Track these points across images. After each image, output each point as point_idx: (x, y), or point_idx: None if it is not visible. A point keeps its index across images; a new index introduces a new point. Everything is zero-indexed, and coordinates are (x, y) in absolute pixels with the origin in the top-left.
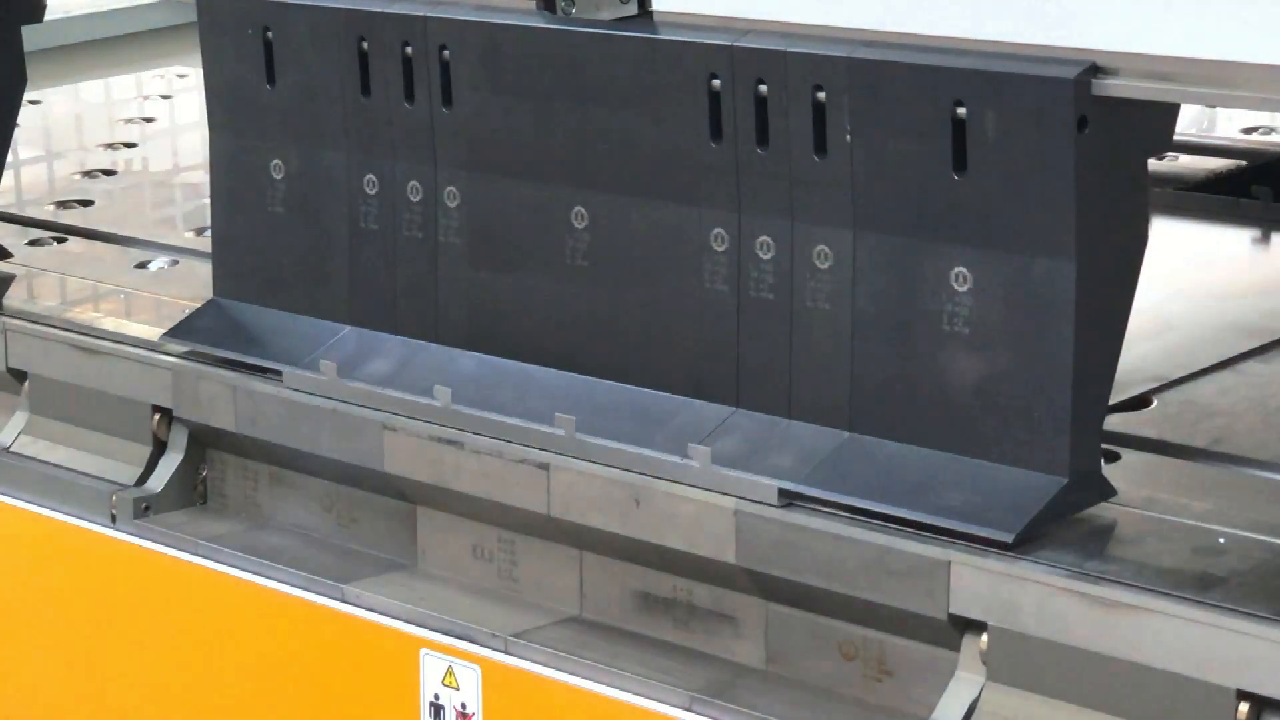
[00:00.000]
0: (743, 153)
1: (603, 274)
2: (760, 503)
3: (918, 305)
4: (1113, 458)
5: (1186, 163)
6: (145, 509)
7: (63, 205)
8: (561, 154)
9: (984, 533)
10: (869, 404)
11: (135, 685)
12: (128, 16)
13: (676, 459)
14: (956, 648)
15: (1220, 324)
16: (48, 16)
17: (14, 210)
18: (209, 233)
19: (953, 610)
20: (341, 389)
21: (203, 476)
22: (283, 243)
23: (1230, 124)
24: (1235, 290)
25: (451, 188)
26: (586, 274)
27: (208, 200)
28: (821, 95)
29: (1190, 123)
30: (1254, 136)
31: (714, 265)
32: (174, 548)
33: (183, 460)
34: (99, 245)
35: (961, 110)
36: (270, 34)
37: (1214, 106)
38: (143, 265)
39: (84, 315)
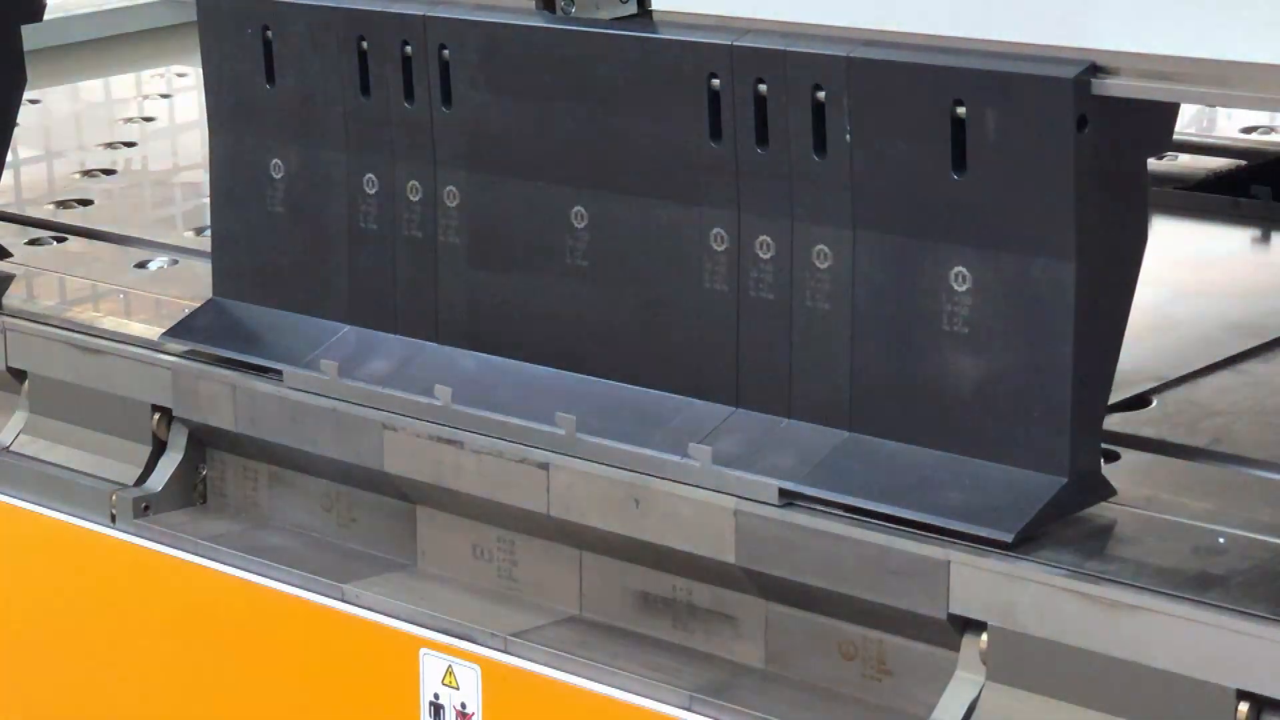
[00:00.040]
0: (742, 152)
1: (602, 274)
2: (760, 502)
3: (917, 305)
4: (1112, 457)
5: (1186, 162)
6: (145, 509)
7: (62, 205)
8: (561, 154)
9: (984, 532)
10: (869, 404)
11: (135, 685)
12: (128, 16)
13: (676, 459)
14: (956, 647)
15: (1220, 324)
16: (48, 16)
17: (14, 210)
18: (208, 232)
19: (952, 610)
20: (342, 389)
21: (202, 476)
22: (282, 242)
23: (1230, 123)
24: (1235, 290)
25: (451, 187)
26: (586, 274)
27: (207, 200)
28: (821, 95)
29: (1190, 122)
30: (1254, 136)
31: (714, 265)
32: (174, 547)
33: (182, 460)
34: (99, 245)
35: (961, 110)
36: (270, 34)
37: (1213, 106)
38: (142, 265)
39: (84, 315)
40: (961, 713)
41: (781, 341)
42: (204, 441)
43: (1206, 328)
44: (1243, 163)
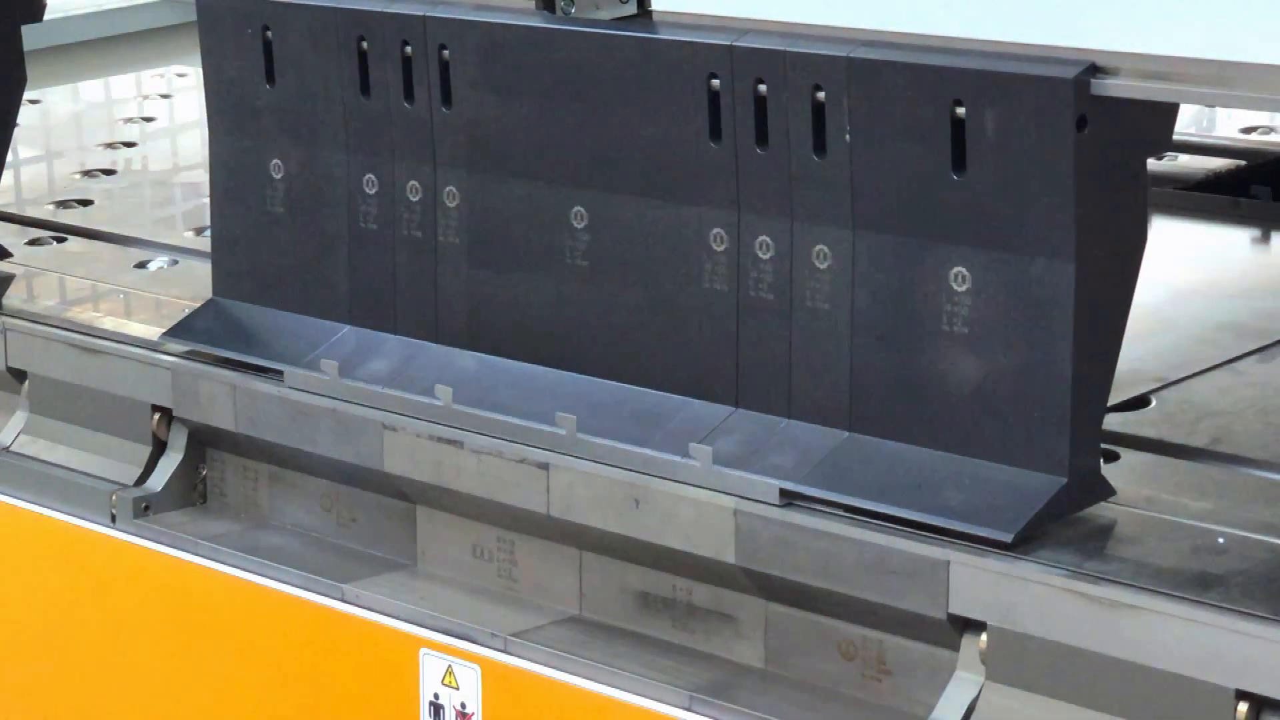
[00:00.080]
0: (742, 152)
1: (602, 274)
2: (760, 502)
3: (917, 305)
4: (1112, 457)
5: (1186, 162)
6: (145, 508)
7: (62, 205)
8: (561, 154)
9: (983, 532)
10: (869, 404)
11: (135, 685)
12: (128, 16)
13: (677, 458)
14: (956, 647)
15: (1220, 324)
16: (48, 16)
17: (14, 210)
18: (208, 232)
19: (952, 610)
20: (342, 389)
21: (202, 476)
22: (282, 242)
23: (1230, 124)
24: (1235, 290)
25: (451, 187)
26: (586, 274)
27: (207, 200)
28: (821, 95)
29: (1190, 122)
30: (1253, 136)
31: (713, 265)
32: (174, 547)
33: (182, 460)
34: (98, 245)
35: (961, 110)
36: (270, 34)
37: (1213, 106)
38: (142, 265)
39: (84, 315)
40: (961, 713)
41: (781, 341)
42: (204, 441)
43: (1206, 328)
44: (1243, 163)
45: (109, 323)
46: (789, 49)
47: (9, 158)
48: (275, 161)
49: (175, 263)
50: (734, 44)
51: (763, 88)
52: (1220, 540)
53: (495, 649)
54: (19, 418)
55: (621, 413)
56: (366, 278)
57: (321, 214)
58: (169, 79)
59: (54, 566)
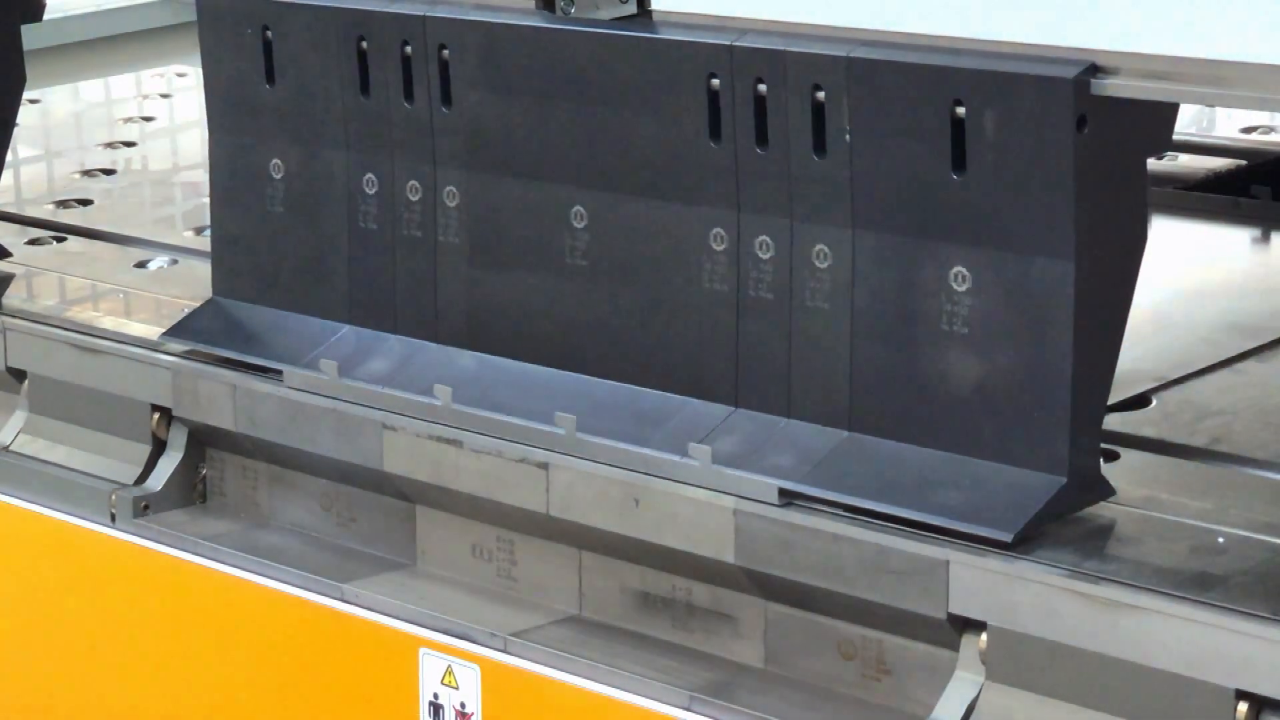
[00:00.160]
0: (742, 152)
1: (602, 273)
2: (760, 502)
3: (917, 305)
4: (1112, 457)
5: (1186, 162)
6: (145, 508)
7: (62, 204)
8: (560, 154)
9: (983, 532)
10: (868, 403)
11: (135, 685)
12: (128, 16)
13: (676, 458)
14: (955, 647)
15: (1220, 324)
16: (48, 15)
17: (13, 209)
18: (208, 232)
19: (952, 610)
20: (341, 388)
21: (202, 476)
22: (282, 242)
23: (1230, 123)
24: (1235, 290)
25: (451, 187)
26: (586, 273)
27: (207, 199)
28: (820, 95)
29: (1190, 122)
30: (1254, 136)
31: (713, 265)
32: (173, 547)
33: (182, 459)
34: (98, 244)
35: (961, 110)
36: (270, 33)
37: (1213, 106)
38: (142, 264)
39: (83, 314)
40: (961, 712)
41: (781, 341)
42: (204, 441)
43: (1206, 328)
44: (1243, 163)
45: (109, 322)
46: (789, 49)
47: (9, 157)
48: (275, 161)
49: (175, 262)
50: (734, 44)
51: (762, 87)
52: (1220, 540)
53: (495, 649)
54: (18, 417)
55: (621, 412)
56: (366, 277)
57: (321, 214)
58: (169, 79)
59: (54, 566)
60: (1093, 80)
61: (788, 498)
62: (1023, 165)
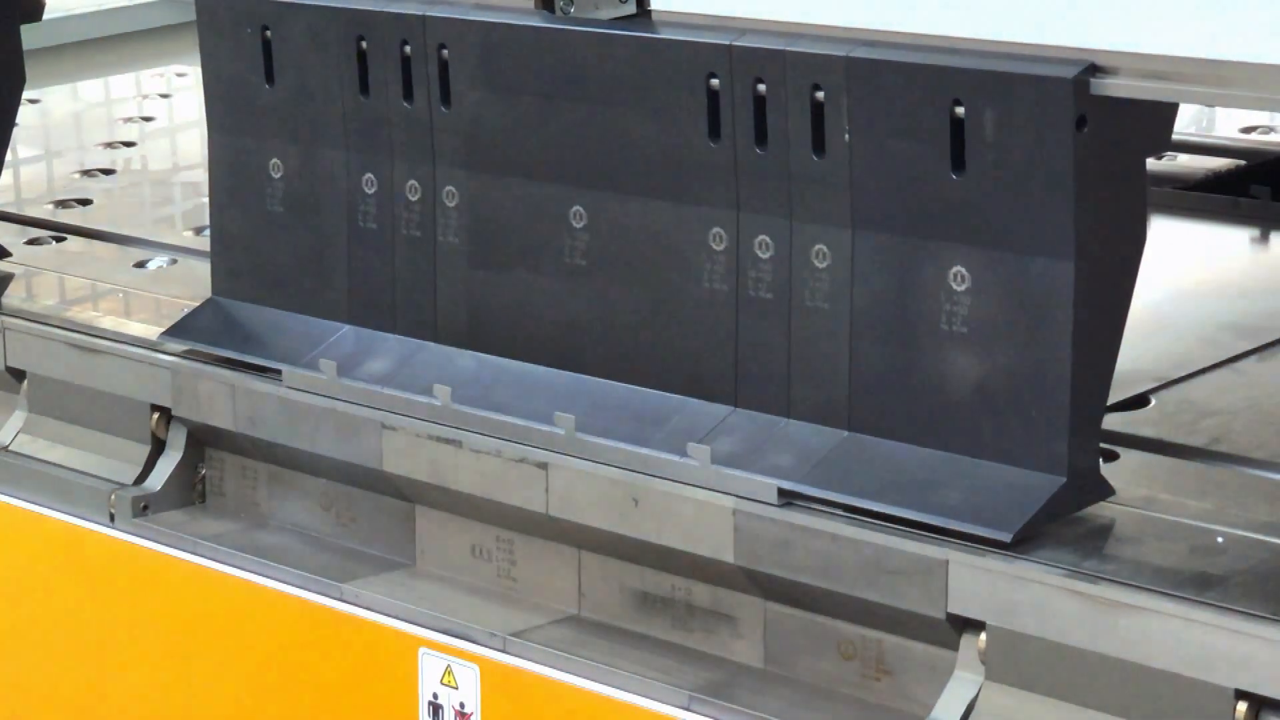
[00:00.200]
0: (741, 152)
1: (601, 273)
2: (759, 502)
3: (916, 305)
4: (1111, 457)
5: (1186, 162)
6: (144, 508)
7: (61, 204)
8: (560, 153)
9: (982, 532)
10: (868, 403)
11: (135, 685)
12: (127, 15)
13: (676, 458)
14: (955, 647)
15: (1219, 324)
16: (47, 15)
17: (13, 209)
18: (208, 232)
19: (951, 609)
20: (341, 388)
21: (201, 475)
22: (281, 242)
23: (1229, 123)
24: (1234, 290)
25: (450, 187)
26: (585, 273)
27: (206, 199)
28: (820, 94)
29: (1190, 122)
30: (1253, 136)
31: (713, 265)
32: (173, 547)
33: (181, 459)
34: (98, 244)
35: (960, 110)
36: (269, 33)
37: (1213, 106)
38: (141, 264)
39: (83, 314)
40: (960, 712)
41: (780, 341)
42: (203, 441)
43: (1206, 328)
44: (1243, 163)
45: (108, 322)
46: (788, 48)
47: (9, 157)
48: (275, 161)
49: (174, 262)
50: (733, 44)
51: (762, 87)
52: (1219, 540)
53: (494, 648)
54: (18, 417)
55: (620, 412)
56: (365, 277)
57: (321, 213)
58: (168, 79)
59: (53, 566)
60: (1092, 80)
61: (787, 498)
62: (1022, 165)
